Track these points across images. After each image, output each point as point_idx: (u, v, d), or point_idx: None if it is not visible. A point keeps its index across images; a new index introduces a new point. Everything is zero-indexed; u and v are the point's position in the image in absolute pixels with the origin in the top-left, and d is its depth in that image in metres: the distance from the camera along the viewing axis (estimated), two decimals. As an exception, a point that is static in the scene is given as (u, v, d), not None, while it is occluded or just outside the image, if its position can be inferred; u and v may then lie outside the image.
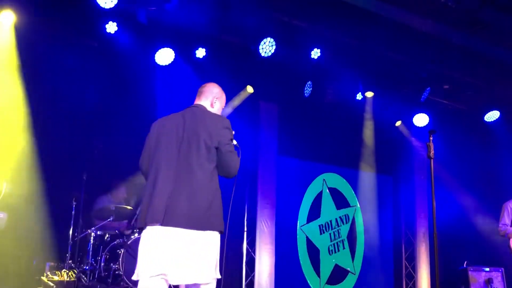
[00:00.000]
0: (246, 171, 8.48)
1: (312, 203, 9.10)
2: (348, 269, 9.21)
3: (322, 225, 9.10)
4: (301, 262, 8.72)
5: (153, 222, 3.49)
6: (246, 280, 8.14)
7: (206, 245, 3.56)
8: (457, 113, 9.47)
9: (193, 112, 3.78)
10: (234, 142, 3.82)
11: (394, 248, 9.90)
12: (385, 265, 9.71)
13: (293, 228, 8.79)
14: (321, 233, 9.05)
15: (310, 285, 8.73)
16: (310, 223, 8.99)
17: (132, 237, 6.72)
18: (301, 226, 8.87)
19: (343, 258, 9.18)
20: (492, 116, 9.30)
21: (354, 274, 9.26)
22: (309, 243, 8.89)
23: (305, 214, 8.95)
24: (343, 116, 9.11)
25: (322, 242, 9.03)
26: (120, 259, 6.51)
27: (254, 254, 8.21)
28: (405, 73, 8.36)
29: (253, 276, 8.12)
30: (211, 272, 3.56)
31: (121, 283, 6.51)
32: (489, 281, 7.62)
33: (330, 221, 9.20)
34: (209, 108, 3.92)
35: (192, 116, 3.73)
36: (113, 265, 6.57)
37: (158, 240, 3.49)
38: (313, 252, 8.90)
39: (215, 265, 3.60)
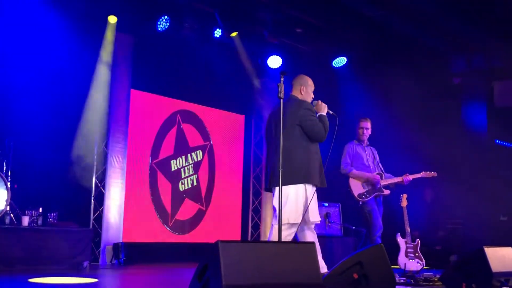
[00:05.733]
0: (96, 105, 8.21)
1: (166, 139, 9.08)
2: (198, 204, 9.43)
3: (174, 161, 9.15)
4: (151, 197, 8.75)
5: (271, 186, 5.12)
6: (94, 215, 8.02)
7: (287, 196, 4.90)
8: (308, 56, 9.84)
9: (286, 103, 5.02)
10: (331, 112, 5.23)
11: (243, 183, 10.25)
12: (234, 199, 10.05)
13: (145, 163, 8.76)
14: (173, 169, 9.11)
15: (160, 219, 8.83)
16: (163, 159, 9.00)
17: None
18: (154, 161, 8.85)
19: (193, 193, 9.35)
20: (339, 61, 9.80)
21: (204, 209, 9.50)
22: (161, 178, 8.93)
23: (158, 150, 8.93)
24: (200, 53, 9.08)
25: (173, 177, 9.11)
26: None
27: (104, 189, 8.09)
28: (261, 15, 8.47)
29: (102, 211, 8.02)
30: (284, 216, 4.83)
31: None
32: (327, 215, 8.23)
33: (183, 157, 9.28)
34: (299, 96, 5.23)
35: (284, 106, 4.88)
36: None
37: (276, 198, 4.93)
38: (165, 187, 8.97)
39: (290, 211, 4.91)
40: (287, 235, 5.06)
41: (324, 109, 5.23)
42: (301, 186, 5.04)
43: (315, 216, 5.16)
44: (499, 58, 9.11)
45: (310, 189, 5.08)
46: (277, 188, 4.87)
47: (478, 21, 8.14)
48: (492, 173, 9.10)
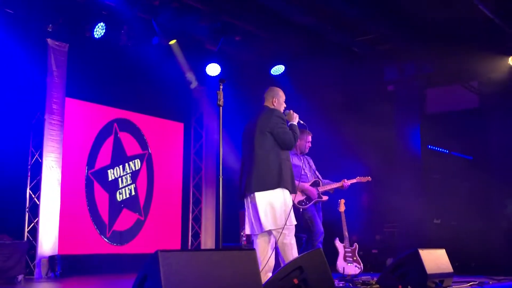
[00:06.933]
0: (31, 114, 8.00)
1: (102, 148, 8.92)
2: (137, 214, 9.29)
3: (112, 170, 8.99)
4: (88, 208, 8.56)
5: (245, 193, 5.17)
6: (28, 227, 7.78)
7: (263, 202, 5.03)
8: (247, 64, 9.89)
9: (259, 112, 5.35)
10: (301, 122, 5.46)
11: (183, 192, 10.19)
12: (173, 209, 9.97)
13: (81, 173, 8.56)
14: (110, 179, 8.94)
15: (98, 230, 8.64)
16: (100, 169, 8.83)
17: None
18: (90, 171, 8.67)
19: (132, 203, 9.21)
20: (277, 69, 9.88)
21: (143, 219, 9.37)
22: (97, 188, 8.75)
23: (94, 160, 8.76)
24: (137, 61, 8.96)
25: (111, 187, 8.94)
26: None
27: (38, 200, 7.85)
28: (200, 23, 8.45)
29: (37, 222, 7.78)
30: (267, 223, 4.99)
31: None
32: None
33: (120, 166, 9.13)
34: (271, 106, 5.36)
35: (256, 116, 5.31)
36: None
37: (248, 205, 5.18)
38: (101, 197, 8.79)
39: (272, 217, 5.01)
40: (264, 241, 5.14)
41: (295, 119, 5.38)
42: (277, 191, 5.10)
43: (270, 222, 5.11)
44: (430, 65, 9.42)
45: (283, 194, 5.13)
46: (257, 194, 5.04)
47: (409, 29, 8.41)
48: (425, 178, 9.39)
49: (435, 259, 5.45)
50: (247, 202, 5.22)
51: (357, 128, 9.23)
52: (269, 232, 5.11)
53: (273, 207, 5.04)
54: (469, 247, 8.31)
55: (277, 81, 9.95)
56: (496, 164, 9.10)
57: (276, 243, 5.14)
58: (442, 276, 5.41)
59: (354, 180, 7.05)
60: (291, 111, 5.43)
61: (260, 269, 5.00)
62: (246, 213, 5.26)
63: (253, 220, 5.14)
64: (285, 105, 5.48)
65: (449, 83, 9.82)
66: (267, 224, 5.03)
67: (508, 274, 7.25)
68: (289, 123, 5.34)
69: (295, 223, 5.22)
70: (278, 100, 5.43)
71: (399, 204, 9.19)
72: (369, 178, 7.17)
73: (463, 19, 7.87)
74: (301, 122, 5.49)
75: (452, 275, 5.68)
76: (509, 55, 8.61)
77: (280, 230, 5.04)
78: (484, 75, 9.03)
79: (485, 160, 9.27)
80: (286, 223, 5.04)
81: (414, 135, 9.28)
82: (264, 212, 5.03)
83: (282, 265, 5.03)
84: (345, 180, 6.96)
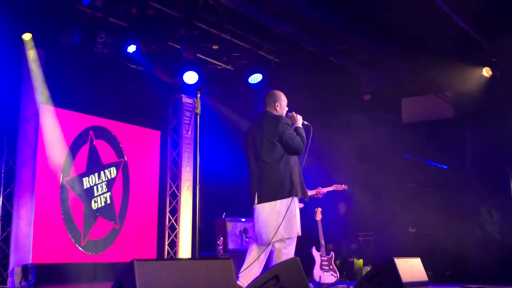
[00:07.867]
0: (4, 121, 7.90)
1: (77, 156, 8.82)
2: (112, 222, 9.20)
3: (87, 178, 8.90)
4: (63, 216, 8.45)
5: (252, 204, 5.08)
6: (1, 235, 7.66)
7: (270, 213, 4.97)
8: (224, 73, 9.89)
9: (262, 119, 5.23)
10: (305, 122, 5.29)
11: (159, 200, 10.12)
12: (149, 217, 9.89)
13: (56, 181, 8.46)
14: (85, 187, 8.85)
15: (72, 239, 8.54)
16: (75, 177, 8.72)
17: None
18: (65, 179, 8.56)
19: (107, 212, 9.11)
20: (255, 78, 9.89)
21: (118, 228, 9.28)
22: (72, 196, 8.65)
23: (69, 167, 8.66)
24: (113, 68, 8.91)
25: (86, 195, 8.84)
26: None
27: (12, 208, 7.74)
28: (177, 31, 8.44)
29: (10, 231, 7.67)
30: (277, 235, 4.91)
31: None
32: (244, 231, 8.27)
33: (96, 174, 9.03)
34: (274, 112, 5.25)
35: (261, 122, 5.20)
36: None
37: (258, 216, 5.04)
38: (76, 205, 8.69)
39: (275, 229, 4.91)
40: (260, 250, 5.04)
41: (299, 121, 5.27)
42: (288, 200, 5.00)
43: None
44: (405, 75, 9.53)
45: (292, 204, 5.02)
46: (267, 204, 4.96)
47: (385, 39, 8.50)
48: (400, 186, 9.47)
49: (411, 268, 5.50)
50: (257, 213, 5.07)
51: (332, 137, 9.28)
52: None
53: (281, 217, 4.93)
54: (444, 256, 8.39)
55: (255, 89, 9.97)
56: (470, 173, 9.23)
57: (271, 253, 5.06)
58: (417, 284, 5.45)
59: (330, 188, 7.08)
60: (294, 113, 5.31)
61: (243, 268, 4.98)
62: (256, 223, 5.08)
63: (260, 230, 5.02)
64: (287, 108, 5.35)
65: (424, 93, 9.94)
66: (277, 235, 4.93)
67: (482, 283, 7.33)
68: (293, 126, 5.21)
69: (300, 234, 5.11)
70: (280, 104, 5.30)
71: (375, 213, 9.25)
72: (345, 187, 7.21)
73: (438, 30, 7.98)
74: (305, 122, 5.35)
75: (427, 284, 5.72)
76: (483, 66, 8.74)
77: (284, 239, 4.98)
78: (459, 86, 9.15)
79: (460, 170, 9.39)
80: (291, 233, 4.98)
81: (389, 144, 9.35)
82: (273, 222, 4.94)
83: None
84: (320, 187, 6.98)
